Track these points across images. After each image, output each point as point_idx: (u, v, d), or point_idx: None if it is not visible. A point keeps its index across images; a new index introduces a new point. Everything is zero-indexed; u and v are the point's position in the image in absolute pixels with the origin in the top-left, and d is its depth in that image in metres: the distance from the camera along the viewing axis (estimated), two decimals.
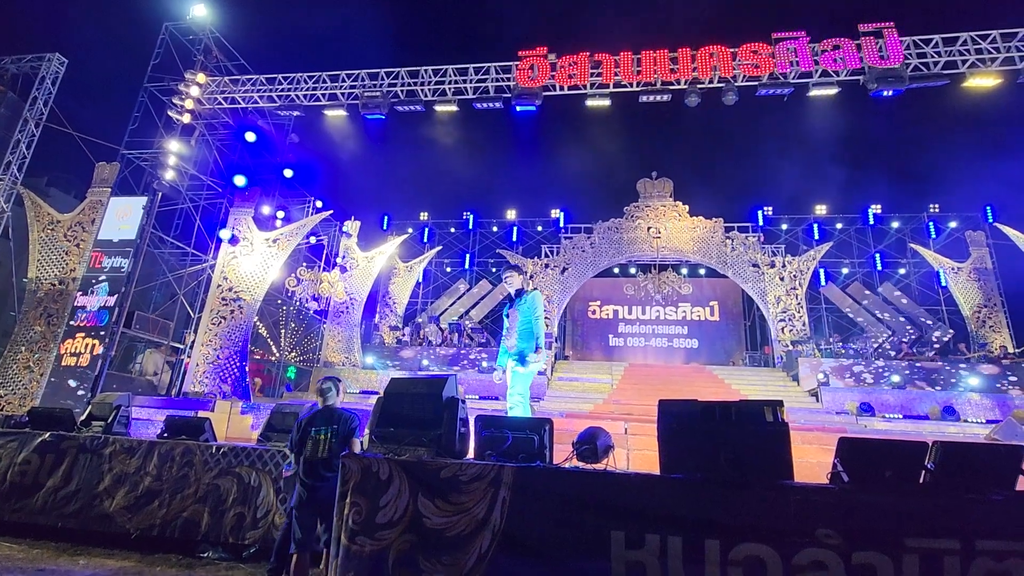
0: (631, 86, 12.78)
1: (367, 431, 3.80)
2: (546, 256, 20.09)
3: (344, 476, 3.29)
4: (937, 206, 20.07)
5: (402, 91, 13.54)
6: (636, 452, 8.27)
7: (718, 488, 3.02)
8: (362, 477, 3.27)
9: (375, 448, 3.63)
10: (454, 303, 22.16)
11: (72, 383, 11.49)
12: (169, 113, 13.86)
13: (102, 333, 11.86)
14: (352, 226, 17.79)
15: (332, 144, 16.26)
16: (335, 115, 13.93)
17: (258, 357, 18.56)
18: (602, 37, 13.79)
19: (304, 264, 16.57)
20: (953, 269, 18.48)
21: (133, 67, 15.31)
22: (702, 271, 21.05)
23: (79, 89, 17.84)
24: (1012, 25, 11.61)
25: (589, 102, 12.94)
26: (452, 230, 23.67)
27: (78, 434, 5.92)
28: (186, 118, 13.74)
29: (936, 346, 17.73)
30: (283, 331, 20.12)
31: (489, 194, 24.73)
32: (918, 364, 15.13)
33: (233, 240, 13.29)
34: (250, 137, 13.68)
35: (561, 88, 13.04)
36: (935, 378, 14.64)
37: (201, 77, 13.95)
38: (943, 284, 18.99)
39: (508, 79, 13.20)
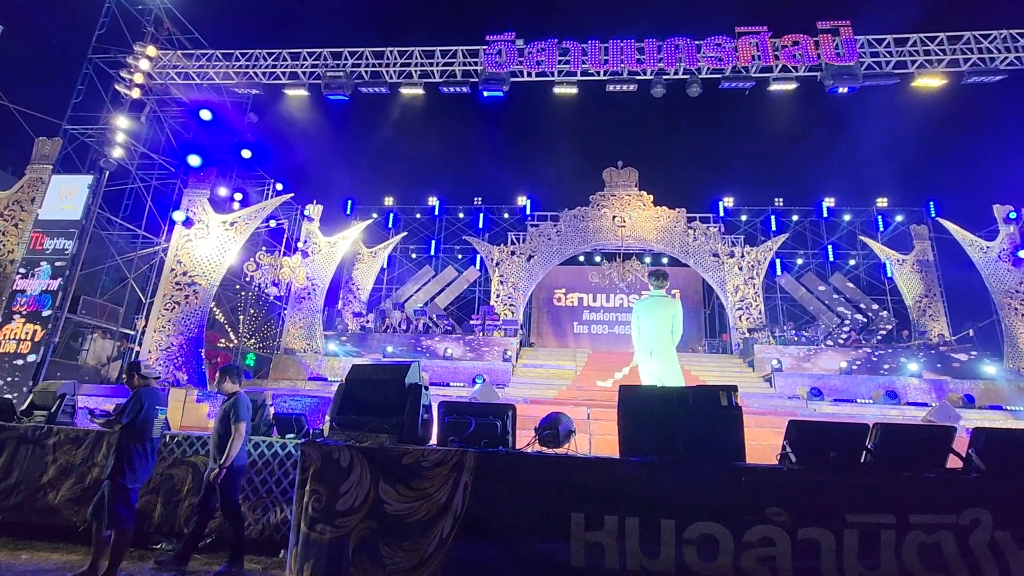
0: (598, 75, 12.83)
1: (327, 418, 3.75)
2: (512, 243, 20.10)
3: (304, 464, 3.24)
4: (886, 200, 21.00)
5: (366, 72, 13.21)
6: (598, 437, 8.45)
7: (674, 470, 3.12)
8: (322, 464, 3.23)
9: (336, 435, 3.59)
10: (419, 289, 21.96)
11: (11, 371, 10.89)
12: (117, 87, 13.12)
13: (44, 318, 11.25)
14: (314, 210, 17.34)
15: (293, 125, 15.77)
16: (296, 95, 13.48)
17: (221, 345, 18.01)
18: (570, 24, 13.79)
19: (264, 248, 16.09)
20: (898, 261, 19.42)
21: (77, 37, 14.40)
22: (665, 260, 21.47)
23: (16, 59, 16.67)
24: (957, 28, 12.16)
25: (556, 89, 12.93)
26: (418, 216, 23.39)
27: (18, 424, 5.64)
28: (135, 93, 13.04)
29: (881, 333, 18.66)
30: (242, 317, 19.56)
31: (456, 180, 24.53)
32: (864, 350, 15.92)
33: (187, 222, 12.77)
34: (205, 115, 13.11)
35: (529, 74, 12.97)
36: (879, 364, 15.43)
37: (151, 50, 13.24)
38: (889, 275, 19.96)
39: (475, 63, 13.04)
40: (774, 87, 12.59)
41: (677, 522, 2.98)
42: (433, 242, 23.05)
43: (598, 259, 21.70)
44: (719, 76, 12.58)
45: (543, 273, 20.18)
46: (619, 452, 3.38)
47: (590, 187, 20.17)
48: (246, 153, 13.93)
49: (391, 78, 13.16)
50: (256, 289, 16.26)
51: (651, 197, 19.66)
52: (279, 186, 16.32)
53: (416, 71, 13.15)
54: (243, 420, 4.45)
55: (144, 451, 4.29)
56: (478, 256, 21.28)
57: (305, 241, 16.78)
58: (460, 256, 23.15)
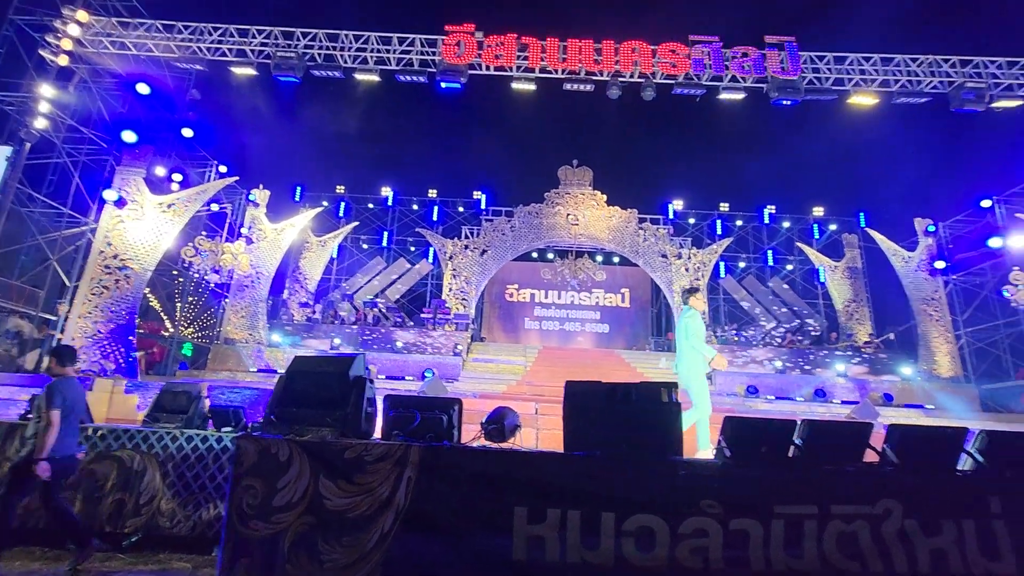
0: (556, 73, 12.92)
1: (267, 411, 3.62)
2: (466, 237, 19.98)
3: (238, 458, 3.12)
4: (822, 209, 22.21)
5: (319, 55, 12.78)
6: (545, 432, 8.54)
7: (615, 464, 3.19)
8: (259, 459, 3.12)
9: (275, 429, 3.47)
10: (370, 281, 21.51)
11: None
12: (42, 53, 12.13)
13: None
14: (260, 195, 16.63)
15: (240, 105, 15.07)
16: (243, 73, 12.89)
17: (162, 334, 17.04)
18: (530, 20, 13.76)
19: (204, 233, 15.33)
20: (830, 267, 20.58)
21: None
22: (616, 259, 21.94)
23: None
24: (890, 51, 12.97)
25: (515, 85, 12.94)
26: (370, 206, 22.88)
27: None
28: (63, 60, 12.11)
29: (813, 335, 19.76)
30: (179, 305, 18.58)
31: (410, 171, 24.07)
32: (797, 351, 16.82)
33: (120, 202, 11.97)
34: (143, 89, 12.30)
35: (487, 68, 12.90)
36: (810, 364, 16.36)
37: (82, 15, 12.31)
38: (822, 280, 21.14)
39: (433, 53, 12.85)
40: (723, 96, 13.05)
41: (617, 515, 3.06)
42: (385, 233, 22.62)
43: (551, 256, 21.92)
44: (672, 82, 12.92)
45: (496, 268, 20.19)
46: (563, 447, 3.43)
47: (545, 184, 20.32)
48: (187, 132, 13.17)
49: (345, 63, 12.79)
50: (195, 276, 15.46)
51: (604, 197, 20.00)
52: (223, 168, 15.56)
53: (372, 57, 12.83)
54: (55, 408, 4.01)
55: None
56: (431, 249, 21.05)
57: (250, 227, 16.08)
58: (413, 248, 22.83)
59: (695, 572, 2.98)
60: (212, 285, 16.36)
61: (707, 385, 6.04)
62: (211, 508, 4.72)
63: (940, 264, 16.30)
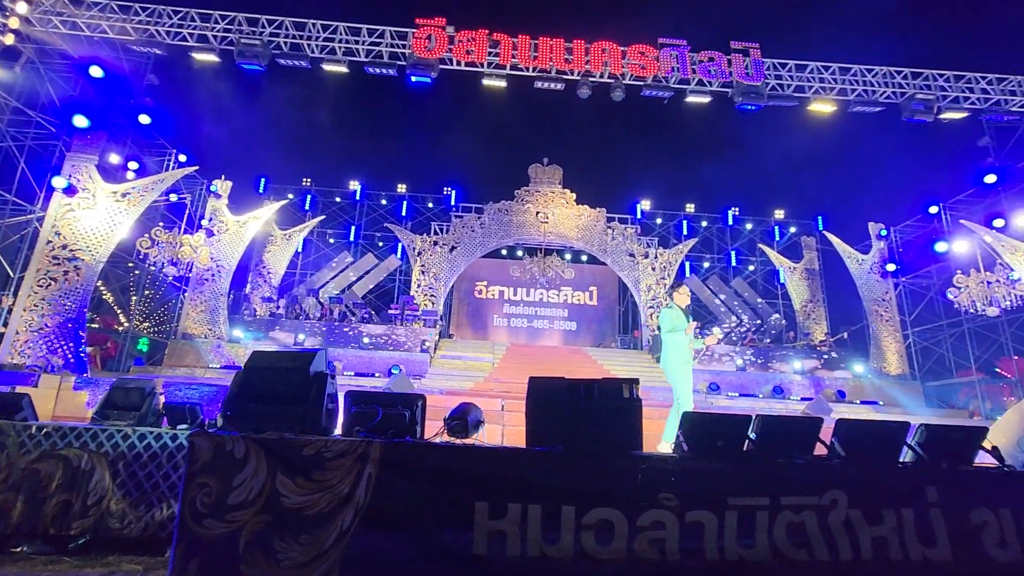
0: (527, 70, 12.94)
1: (222, 407, 3.53)
2: (436, 233, 19.86)
3: (192, 456, 3.03)
4: (782, 212, 22.93)
5: (285, 43, 12.47)
6: (511, 428, 8.59)
7: (577, 459, 3.24)
8: (214, 456, 3.04)
9: (232, 426, 3.38)
10: (336, 276, 21.15)
11: None
12: None
13: None
14: (222, 186, 16.13)
15: (201, 93, 14.61)
16: (205, 59, 12.46)
17: (98, 325, 16.33)
18: (501, 17, 13.71)
19: (161, 224, 14.76)
20: (790, 268, 21.29)
21: None
22: (584, 257, 22.15)
23: None
24: (849, 61, 13.47)
25: (486, 81, 12.90)
26: (337, 199, 22.49)
27: None
28: (9, 39, 11.48)
29: (772, 334, 20.41)
30: (134, 298, 17.87)
31: (379, 165, 23.74)
32: (757, 349, 17.34)
33: (70, 190, 11.43)
34: (96, 72, 11.75)
35: (458, 63, 12.83)
36: (769, 362, 16.89)
37: None
38: (782, 281, 21.85)
39: (404, 46, 12.71)
40: (690, 99, 13.31)
41: (577, 509, 3.09)
42: (353, 227, 22.26)
43: (520, 253, 21.99)
44: (641, 83, 13.11)
45: (465, 265, 20.13)
46: (525, 442, 3.46)
47: (515, 182, 20.36)
48: (144, 119, 12.66)
49: (313, 52, 12.52)
50: (152, 268, 14.90)
51: (574, 195, 20.17)
52: (182, 157, 15.01)
53: (340, 48, 12.59)
54: None
55: None
56: (400, 244, 20.84)
57: (211, 219, 15.59)
58: (381, 243, 22.56)
59: (652, 564, 3.05)
60: (170, 278, 15.80)
61: (689, 377, 6.17)
62: (164, 508, 4.57)
63: (891, 267, 17.06)
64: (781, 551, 3.14)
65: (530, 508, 3.05)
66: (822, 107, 13.46)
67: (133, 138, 13.34)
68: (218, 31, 12.32)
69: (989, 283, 13.79)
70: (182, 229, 15.17)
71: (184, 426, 4.98)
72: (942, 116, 13.19)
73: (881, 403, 14.73)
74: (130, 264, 16.22)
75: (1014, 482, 3.48)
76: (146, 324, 18.37)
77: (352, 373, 14.14)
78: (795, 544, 3.15)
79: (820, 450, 3.60)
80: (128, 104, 12.61)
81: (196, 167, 14.67)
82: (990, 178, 13.59)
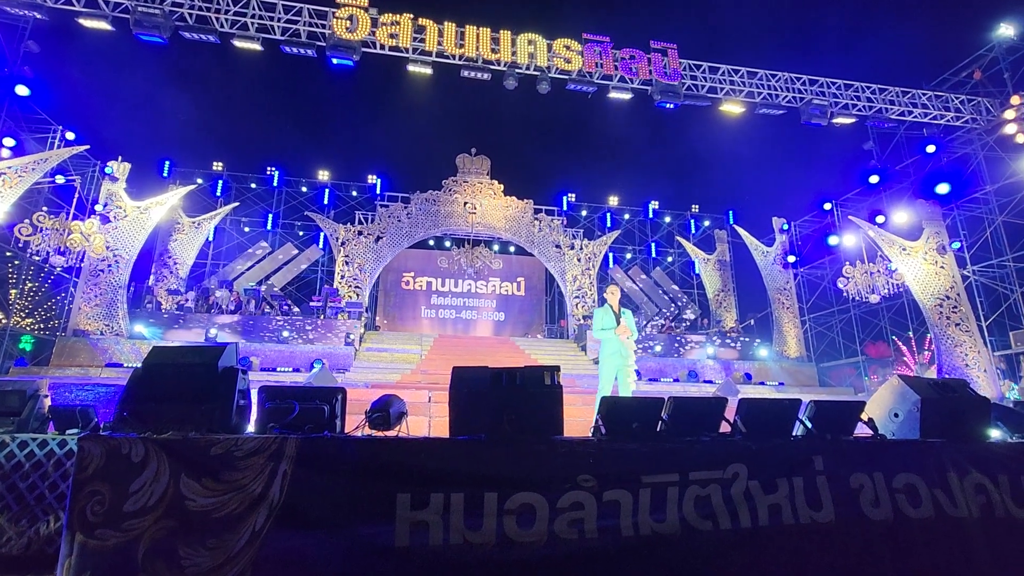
0: (453, 59, 12.79)
1: (117, 409, 3.25)
2: (360, 223, 19.27)
3: (81, 462, 2.78)
4: (697, 207, 24.25)
5: (190, 15, 11.54)
6: (438, 419, 8.57)
7: (498, 446, 3.28)
8: (107, 461, 2.80)
9: (129, 428, 3.13)
10: (252, 267, 20.03)
11: None
12: None
13: None
14: (119, 168, 14.68)
15: (92, 64, 13.30)
16: (95, 27, 11.28)
17: None
18: (427, 2, 13.38)
19: (46, 209, 13.28)
20: (704, 260, 22.60)
21: None
22: (512, 248, 22.33)
23: None
24: (755, 65, 14.41)
25: (411, 67, 12.62)
26: (253, 186, 21.21)
27: None
28: None
29: (688, 321, 21.63)
30: (13, 292, 15.97)
31: (299, 151, 22.67)
32: (674, 336, 18.31)
33: None
34: None
35: (382, 47, 12.46)
36: (685, 347, 17.89)
37: None
38: (697, 271, 23.16)
39: (324, 26, 12.14)
40: (613, 95, 13.72)
41: (499, 495, 3.14)
42: (270, 216, 21.12)
43: (448, 244, 21.81)
44: (566, 77, 13.34)
45: (392, 255, 19.70)
46: (449, 432, 3.46)
47: (443, 171, 20.14)
48: (22, 90, 11.31)
49: (222, 26, 11.67)
50: (35, 258, 13.38)
51: (502, 187, 20.25)
52: (70, 135, 13.59)
53: (253, 23, 11.83)
54: None
55: None
56: (322, 234, 20.03)
57: (106, 204, 14.18)
58: (301, 233, 21.58)
59: (572, 543, 3.16)
60: (58, 269, 14.27)
61: (613, 367, 6.60)
62: (51, 521, 4.15)
63: (792, 258, 18.55)
64: (689, 522, 3.35)
65: (453, 496, 3.06)
66: (732, 108, 14.33)
67: (8, 111, 11.88)
68: None
69: (872, 273, 15.36)
70: (71, 215, 13.71)
71: (74, 430, 4.55)
72: (835, 120, 14.44)
73: (781, 384, 16.05)
74: (8, 253, 14.49)
75: (886, 449, 3.92)
76: (29, 320, 16.51)
77: (271, 369, 13.48)
78: (702, 516, 3.38)
79: (725, 428, 3.88)
80: (3, 73, 11.21)
81: (87, 146, 13.33)
82: (873, 179, 15.14)
